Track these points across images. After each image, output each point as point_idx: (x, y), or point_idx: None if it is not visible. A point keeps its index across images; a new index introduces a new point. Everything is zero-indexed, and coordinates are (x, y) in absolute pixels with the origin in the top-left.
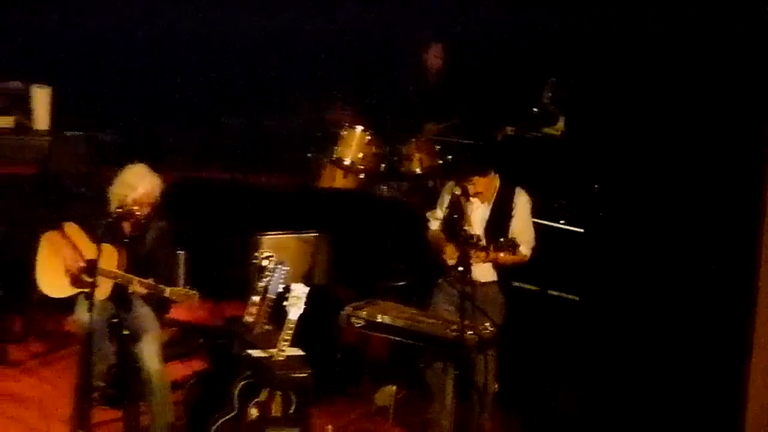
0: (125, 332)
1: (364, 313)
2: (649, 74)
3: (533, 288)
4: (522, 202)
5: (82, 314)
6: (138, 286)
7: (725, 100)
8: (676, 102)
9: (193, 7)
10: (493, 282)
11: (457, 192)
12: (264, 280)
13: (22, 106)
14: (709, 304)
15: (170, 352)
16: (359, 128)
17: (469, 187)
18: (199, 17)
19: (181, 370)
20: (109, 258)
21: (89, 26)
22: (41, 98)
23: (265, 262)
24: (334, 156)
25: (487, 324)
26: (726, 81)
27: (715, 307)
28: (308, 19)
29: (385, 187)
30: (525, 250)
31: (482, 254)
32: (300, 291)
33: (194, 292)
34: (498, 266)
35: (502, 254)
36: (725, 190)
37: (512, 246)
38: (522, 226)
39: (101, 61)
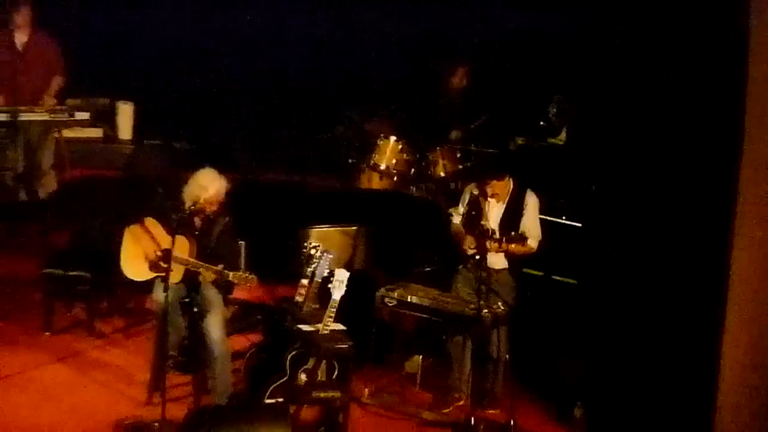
0: (195, 310)
1: (396, 294)
2: (637, 94)
3: (539, 273)
4: (532, 203)
5: (158, 295)
6: (206, 272)
7: (701, 117)
8: (659, 116)
9: (252, 39)
10: (505, 269)
11: (476, 192)
12: (312, 266)
13: (109, 119)
14: (687, 286)
15: (232, 326)
16: (393, 138)
17: (486, 189)
18: (258, 47)
19: (241, 342)
20: (182, 247)
21: (166, 51)
22: (125, 113)
23: (313, 251)
24: (372, 162)
25: (500, 303)
26: (702, 100)
27: (691, 288)
28: (349, 53)
29: (415, 188)
30: (533, 243)
31: (496, 245)
32: (342, 275)
33: (253, 276)
34: (510, 256)
35: (512, 246)
36: (701, 190)
37: (521, 239)
38: (531, 222)
39: (176, 81)
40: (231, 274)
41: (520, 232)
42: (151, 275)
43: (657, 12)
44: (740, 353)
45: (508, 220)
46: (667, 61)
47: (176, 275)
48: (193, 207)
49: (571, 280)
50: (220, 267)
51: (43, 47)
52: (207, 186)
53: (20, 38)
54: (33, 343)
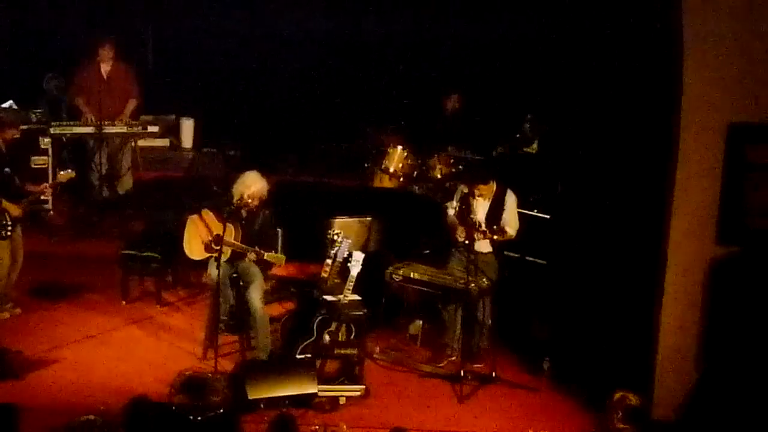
0: (241, 283)
1: (402, 271)
2: (590, 114)
3: (516, 255)
4: (511, 200)
5: (212, 271)
6: (249, 253)
7: (642, 129)
8: (609, 130)
9: (289, 69)
10: (490, 252)
11: (466, 191)
12: (334, 248)
13: (174, 132)
14: (631, 264)
15: (271, 297)
16: (400, 147)
17: (474, 190)
18: (293, 75)
19: (278, 309)
20: (231, 233)
21: (220, 78)
22: (187, 126)
23: (335, 237)
24: (383, 166)
25: (485, 279)
26: (642, 114)
27: (635, 265)
28: (365, 81)
29: (417, 187)
30: (512, 232)
31: (481, 235)
32: (359, 256)
33: (282, 256)
34: (493, 243)
35: (495, 236)
36: (643, 188)
37: (502, 231)
38: (510, 216)
39: (228, 101)
40: (265, 254)
41: (501, 224)
42: (206, 255)
43: (599, 36)
44: (676, 320)
45: (492, 215)
46: (610, 81)
47: (225, 256)
48: (239, 201)
49: (541, 261)
50: (256, 248)
51: (123, 76)
52: (250, 185)
53: (105, 68)
54: (113, 310)
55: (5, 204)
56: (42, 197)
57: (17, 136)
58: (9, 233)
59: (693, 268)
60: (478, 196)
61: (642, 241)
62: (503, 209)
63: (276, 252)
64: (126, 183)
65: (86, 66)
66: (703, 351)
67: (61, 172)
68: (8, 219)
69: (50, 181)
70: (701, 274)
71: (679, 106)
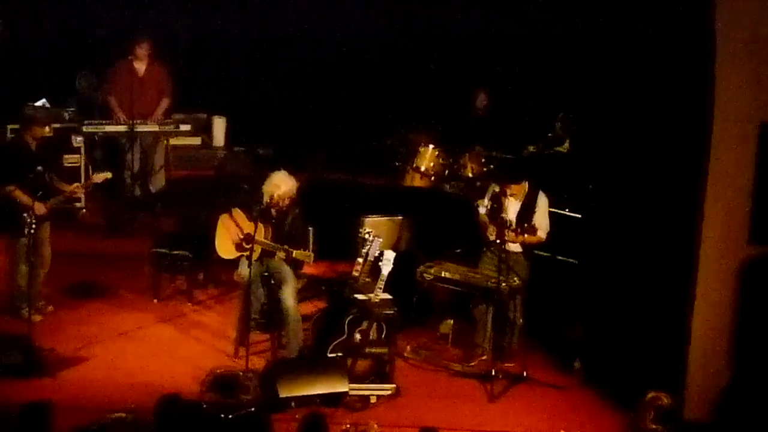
0: (272, 281)
1: (433, 270)
2: (623, 113)
3: (547, 254)
4: (543, 202)
5: (243, 269)
6: (279, 251)
7: (674, 129)
8: (641, 128)
9: (319, 69)
10: (520, 251)
11: (497, 190)
12: (366, 247)
13: (206, 130)
14: (663, 264)
15: (302, 295)
16: (431, 146)
17: (506, 189)
18: (323, 74)
19: (309, 307)
20: (261, 232)
21: (252, 77)
22: (219, 125)
23: (366, 236)
24: (414, 165)
25: (516, 278)
26: (674, 114)
27: (666, 265)
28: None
29: (448, 186)
30: (542, 234)
31: (513, 235)
32: (389, 255)
33: (311, 253)
34: (524, 244)
35: (525, 236)
36: (675, 187)
37: (533, 230)
38: (541, 218)
39: (259, 100)
40: (294, 251)
41: (531, 224)
42: (237, 254)
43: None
44: (707, 319)
45: (523, 214)
46: (644, 80)
47: (257, 254)
48: (269, 201)
49: (573, 260)
50: (285, 246)
51: (157, 74)
52: (280, 184)
53: (139, 66)
54: (144, 307)
55: (29, 201)
56: (74, 197)
57: (49, 134)
58: (32, 231)
59: (725, 268)
60: (510, 196)
61: (673, 240)
62: (534, 210)
63: (306, 250)
64: (158, 181)
65: (121, 64)
66: (736, 351)
67: (98, 174)
68: (32, 217)
69: (82, 180)
70: (733, 273)
71: (712, 105)
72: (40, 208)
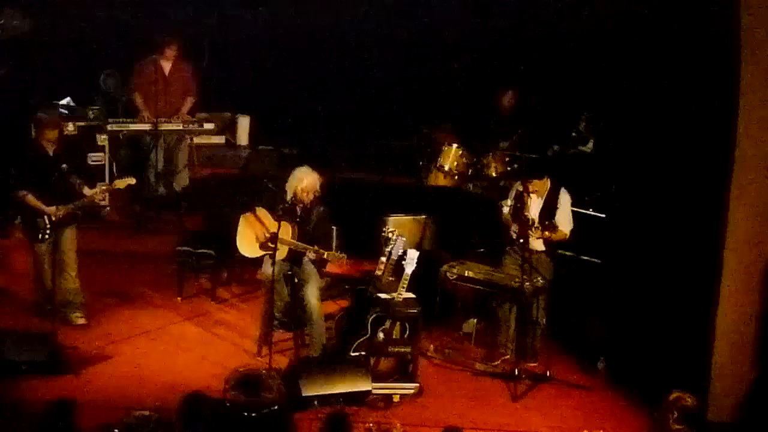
0: (296, 281)
1: (456, 269)
2: (646, 113)
3: (571, 254)
4: (565, 199)
5: (267, 269)
6: (309, 252)
7: (700, 127)
8: (665, 128)
9: (346, 67)
10: (544, 250)
11: (520, 189)
12: (389, 246)
13: (230, 129)
14: (687, 263)
15: (325, 294)
16: (455, 145)
17: (529, 186)
18: (349, 64)
19: (332, 306)
20: (286, 231)
21: (276, 75)
22: (243, 124)
23: (390, 235)
24: (438, 164)
25: (539, 278)
26: (700, 112)
27: (691, 264)
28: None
29: (471, 185)
30: (565, 231)
31: (538, 232)
32: (413, 254)
33: (343, 255)
34: (547, 241)
35: (547, 233)
36: (700, 185)
37: (554, 227)
38: (563, 216)
39: (284, 98)
40: (326, 253)
41: (554, 222)
42: (260, 253)
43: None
44: (732, 320)
45: (545, 212)
46: (669, 81)
47: (281, 253)
48: (293, 197)
49: (596, 260)
50: (316, 248)
51: (183, 73)
52: (302, 178)
53: (166, 65)
54: (168, 306)
55: (41, 206)
56: (95, 202)
57: (74, 132)
58: (46, 237)
59: (749, 268)
60: (532, 193)
61: (698, 240)
62: (557, 208)
63: (334, 250)
64: (182, 180)
65: (147, 62)
66: (760, 352)
67: (120, 179)
68: (47, 222)
69: (106, 178)
70: (758, 273)
71: (737, 105)
72: (54, 213)
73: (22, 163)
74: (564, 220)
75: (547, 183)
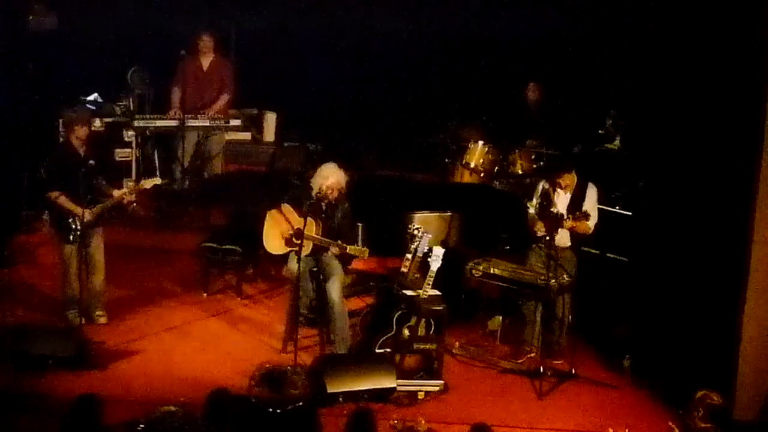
0: (321, 277)
1: (482, 267)
2: (674, 110)
3: (596, 252)
4: (592, 193)
5: (292, 265)
6: (332, 246)
7: (726, 125)
8: (693, 126)
9: (371, 66)
10: (569, 247)
11: (546, 186)
12: (414, 243)
13: (256, 125)
14: (714, 261)
15: (351, 291)
16: (481, 142)
17: (559, 181)
18: (375, 62)
19: (357, 303)
20: (311, 227)
21: (302, 72)
22: (270, 120)
23: (415, 232)
24: (464, 161)
25: (565, 275)
26: (726, 111)
27: (717, 263)
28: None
29: (497, 183)
30: (591, 223)
31: (569, 222)
32: (438, 251)
33: (365, 249)
34: (573, 236)
35: (576, 222)
36: (727, 185)
37: (585, 216)
38: (590, 207)
39: (310, 95)
40: (348, 247)
41: (583, 210)
42: (286, 249)
43: (685, 36)
44: (759, 318)
45: (573, 205)
46: (696, 78)
47: (306, 249)
48: (318, 194)
49: (623, 258)
50: (339, 242)
51: (221, 69)
52: (328, 176)
53: (205, 61)
54: (194, 302)
55: (74, 207)
56: (123, 203)
57: (101, 128)
58: (77, 238)
59: None
60: (565, 187)
61: (725, 238)
62: (583, 201)
63: (357, 245)
64: (214, 167)
65: (187, 59)
66: None
67: (147, 179)
68: (78, 223)
69: (133, 174)
70: None
71: (765, 100)
72: (86, 215)
73: (53, 164)
74: (590, 212)
75: (575, 177)
